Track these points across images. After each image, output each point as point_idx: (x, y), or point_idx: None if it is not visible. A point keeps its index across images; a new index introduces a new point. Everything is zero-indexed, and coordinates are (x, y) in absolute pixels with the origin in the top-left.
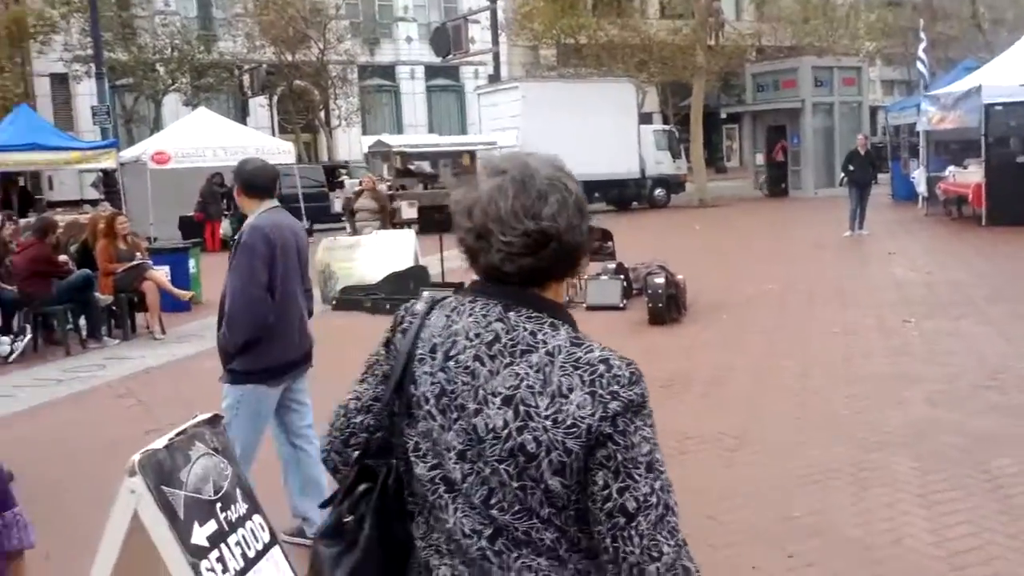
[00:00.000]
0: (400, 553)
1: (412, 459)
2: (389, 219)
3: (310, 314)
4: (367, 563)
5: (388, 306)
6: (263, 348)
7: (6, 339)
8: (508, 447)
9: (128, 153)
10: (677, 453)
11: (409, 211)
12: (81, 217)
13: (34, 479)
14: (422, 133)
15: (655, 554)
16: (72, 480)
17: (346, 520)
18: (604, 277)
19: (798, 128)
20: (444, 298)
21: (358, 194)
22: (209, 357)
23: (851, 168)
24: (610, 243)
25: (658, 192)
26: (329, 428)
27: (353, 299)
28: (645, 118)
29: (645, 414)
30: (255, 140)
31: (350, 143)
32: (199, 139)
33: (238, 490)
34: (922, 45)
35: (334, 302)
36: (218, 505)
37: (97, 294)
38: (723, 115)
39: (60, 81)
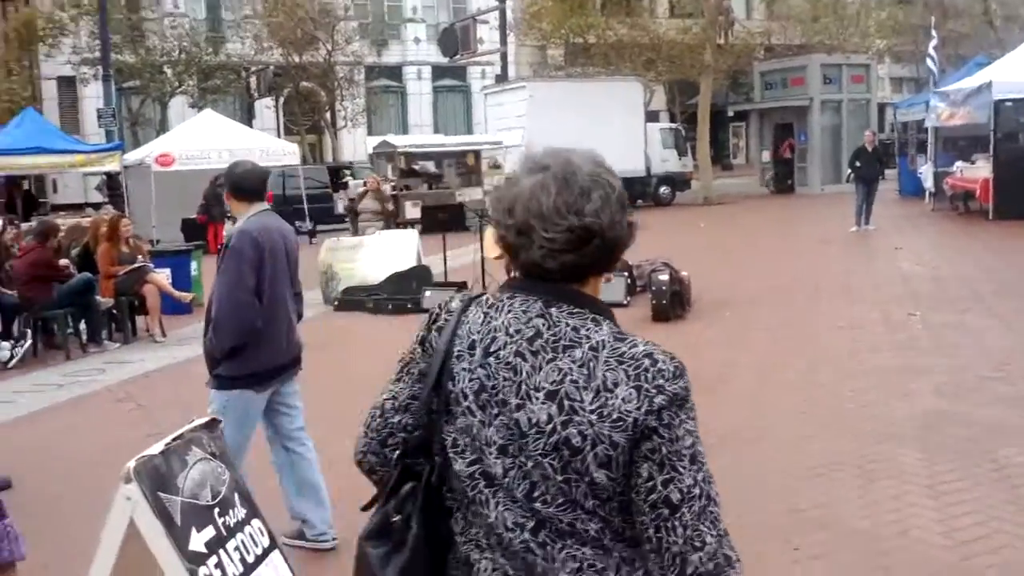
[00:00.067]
0: (443, 550)
1: (451, 455)
2: (392, 219)
3: (300, 317)
4: (416, 561)
5: (390, 306)
6: (250, 353)
7: (6, 344)
8: (552, 441)
9: (132, 156)
10: None
11: (413, 211)
12: (83, 220)
13: (33, 486)
14: (428, 133)
15: (698, 544)
16: (70, 487)
17: (393, 520)
18: (608, 274)
19: (806, 125)
20: (480, 295)
21: (362, 195)
22: None
23: (858, 164)
24: None
25: (663, 190)
26: (364, 429)
27: (355, 299)
28: (651, 116)
29: (688, 407)
30: (260, 142)
31: (355, 144)
32: (204, 141)
33: (236, 494)
34: (933, 42)
35: (336, 303)
36: (216, 510)
37: (98, 297)
38: (730, 113)
39: (67, 84)
